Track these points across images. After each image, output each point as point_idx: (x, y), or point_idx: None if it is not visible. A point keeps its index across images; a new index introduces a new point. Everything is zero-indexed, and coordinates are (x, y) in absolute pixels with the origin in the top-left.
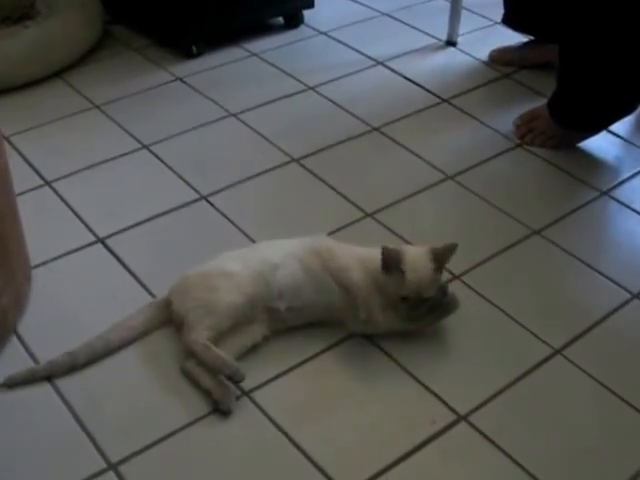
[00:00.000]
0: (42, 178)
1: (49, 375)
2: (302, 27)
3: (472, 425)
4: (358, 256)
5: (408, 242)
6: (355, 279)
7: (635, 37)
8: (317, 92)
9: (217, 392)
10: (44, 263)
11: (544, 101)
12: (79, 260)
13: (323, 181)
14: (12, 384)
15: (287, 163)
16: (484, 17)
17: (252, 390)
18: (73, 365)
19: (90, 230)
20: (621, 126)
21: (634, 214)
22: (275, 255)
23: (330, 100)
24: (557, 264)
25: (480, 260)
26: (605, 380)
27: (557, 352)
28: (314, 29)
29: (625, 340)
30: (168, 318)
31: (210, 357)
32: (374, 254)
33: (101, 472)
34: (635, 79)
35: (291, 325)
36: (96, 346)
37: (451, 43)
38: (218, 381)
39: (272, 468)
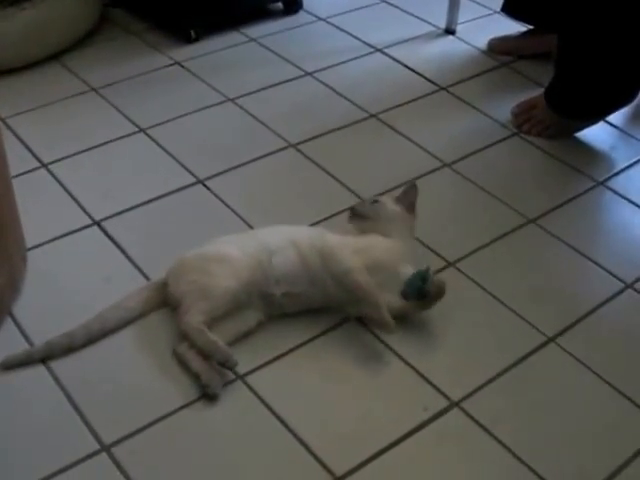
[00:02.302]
0: (38, 160)
1: (46, 357)
2: (301, 13)
3: (464, 411)
4: (355, 248)
5: None
6: (362, 282)
7: (634, 26)
8: (315, 78)
9: (206, 376)
10: (40, 245)
11: (542, 90)
12: (75, 242)
13: (320, 167)
14: (8, 366)
15: (284, 148)
16: (483, 6)
17: (246, 374)
18: (70, 346)
19: (86, 212)
20: (618, 116)
21: (629, 204)
22: (273, 241)
23: (328, 86)
24: (552, 253)
25: (475, 248)
26: (598, 368)
27: (550, 340)
28: (313, 15)
29: (618, 329)
30: (165, 300)
31: (203, 341)
32: (372, 247)
33: (94, 453)
34: (633, 69)
35: (287, 311)
36: (93, 327)
37: (450, 31)
38: (208, 365)
39: (265, 452)
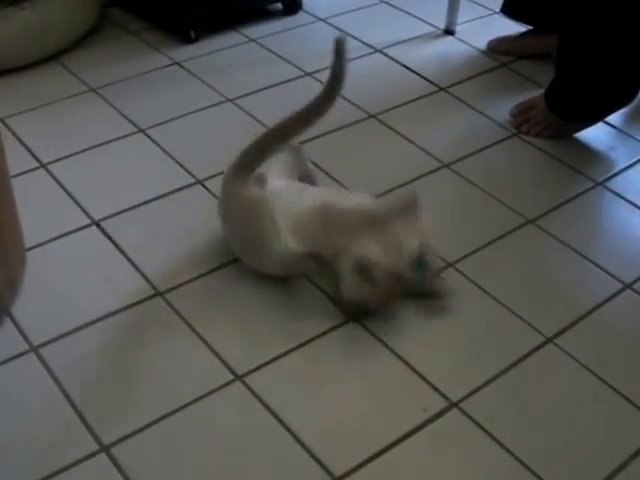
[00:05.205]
0: (37, 160)
1: None
2: (301, 13)
3: (464, 412)
4: None
5: None
6: None
7: (633, 27)
8: (315, 78)
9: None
10: (39, 245)
11: (541, 91)
12: (74, 243)
13: (319, 167)
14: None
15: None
16: (483, 6)
17: (245, 374)
18: None
19: (85, 213)
20: (617, 117)
21: (628, 205)
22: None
23: None
24: (551, 253)
25: (474, 248)
26: (596, 369)
27: (549, 340)
28: (313, 15)
29: (616, 329)
30: None
31: None
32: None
33: (93, 454)
34: (633, 70)
35: None
36: None
37: (449, 32)
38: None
39: (264, 452)
